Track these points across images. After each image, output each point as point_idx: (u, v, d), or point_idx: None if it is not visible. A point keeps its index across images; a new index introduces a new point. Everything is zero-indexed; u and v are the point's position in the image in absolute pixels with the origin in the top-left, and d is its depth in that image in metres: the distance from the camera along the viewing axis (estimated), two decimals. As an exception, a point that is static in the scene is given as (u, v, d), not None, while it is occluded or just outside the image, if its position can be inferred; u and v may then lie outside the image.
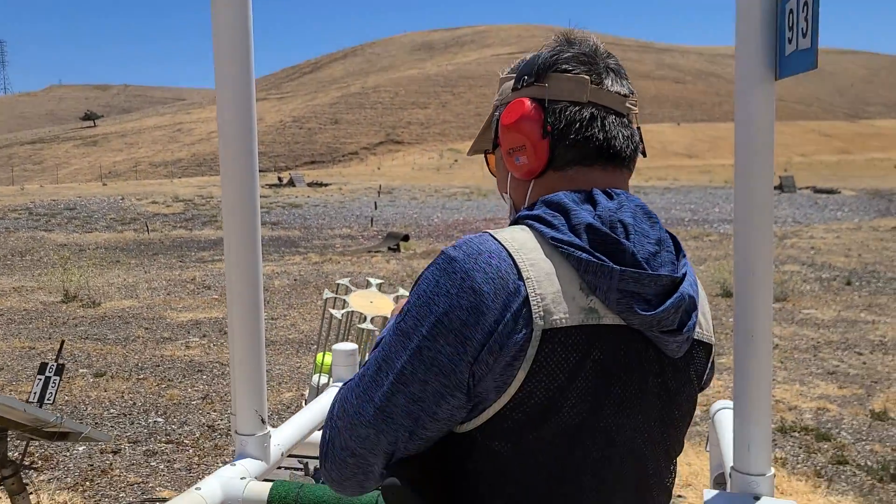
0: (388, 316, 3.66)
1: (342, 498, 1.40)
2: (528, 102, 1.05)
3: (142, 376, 6.68)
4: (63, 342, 4.64)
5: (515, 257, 0.93)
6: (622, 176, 1.07)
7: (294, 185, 39.27)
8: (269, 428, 1.59)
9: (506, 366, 0.90)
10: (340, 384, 2.08)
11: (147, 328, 8.72)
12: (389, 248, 16.47)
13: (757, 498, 1.35)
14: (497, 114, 1.13)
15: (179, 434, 5.25)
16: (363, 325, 3.54)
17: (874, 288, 11.01)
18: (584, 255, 0.93)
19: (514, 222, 1.03)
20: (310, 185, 40.34)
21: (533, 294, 0.91)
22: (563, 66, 1.05)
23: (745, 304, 1.30)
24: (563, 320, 0.91)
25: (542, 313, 0.91)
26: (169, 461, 4.77)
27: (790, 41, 1.22)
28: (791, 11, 1.21)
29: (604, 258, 0.93)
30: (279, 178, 43.01)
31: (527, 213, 1.01)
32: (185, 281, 12.33)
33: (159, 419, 5.57)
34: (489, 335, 0.90)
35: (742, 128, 1.28)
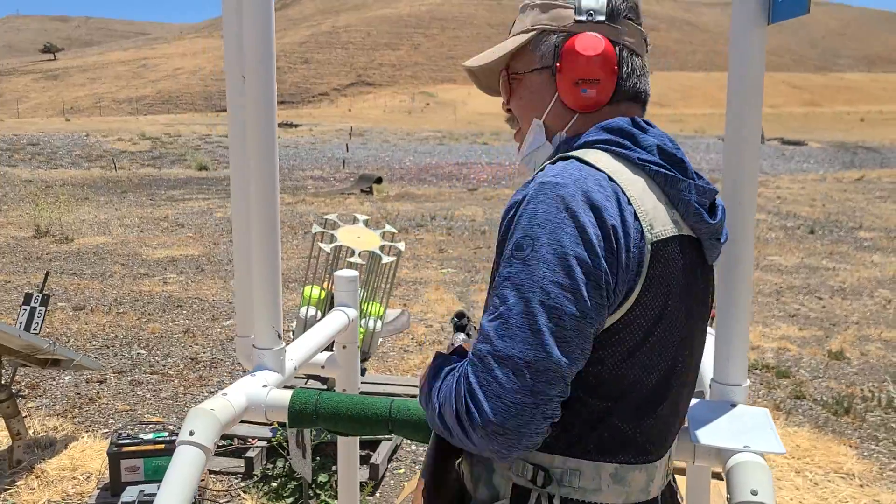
0: (376, 251, 3.78)
1: (359, 404, 1.52)
2: (605, 41, 1.08)
3: (121, 310, 6.74)
4: (48, 273, 4.68)
5: (615, 178, 0.98)
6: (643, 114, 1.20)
7: (264, 125, 38.61)
8: (284, 343, 1.71)
9: (628, 280, 0.96)
10: (343, 308, 2.18)
11: (123, 264, 8.72)
12: (362, 191, 16.48)
13: (733, 405, 1.51)
14: (556, 38, 1.12)
15: (163, 365, 5.36)
16: (351, 259, 3.65)
17: (836, 237, 11.37)
18: (667, 171, 1.02)
19: (581, 146, 1.07)
20: (280, 125, 39.73)
21: (639, 210, 0.97)
22: (629, 15, 1.12)
23: (733, 232, 1.43)
24: (663, 232, 0.99)
25: (649, 227, 0.98)
26: (155, 390, 4.88)
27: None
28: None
29: (677, 173, 1.04)
30: (248, 118, 42.25)
31: (594, 138, 1.06)
32: (157, 219, 12.26)
33: (142, 351, 5.66)
34: (616, 246, 0.94)
35: (735, 69, 1.39)
